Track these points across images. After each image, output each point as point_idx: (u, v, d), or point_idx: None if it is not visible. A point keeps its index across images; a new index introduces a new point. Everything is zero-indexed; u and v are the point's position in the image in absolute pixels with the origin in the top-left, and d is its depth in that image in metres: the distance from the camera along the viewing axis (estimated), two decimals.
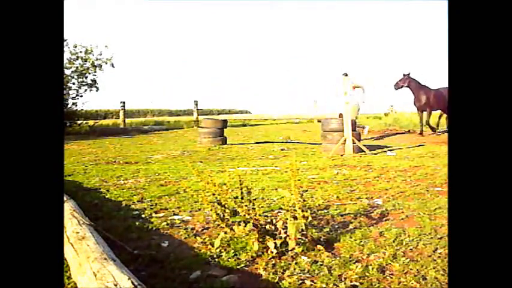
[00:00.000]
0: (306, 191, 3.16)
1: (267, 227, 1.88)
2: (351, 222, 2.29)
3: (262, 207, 2.53)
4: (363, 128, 8.80)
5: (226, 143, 7.83)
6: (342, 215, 2.45)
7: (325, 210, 2.58)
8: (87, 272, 1.33)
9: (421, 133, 9.48)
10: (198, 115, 14.32)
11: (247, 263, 1.76)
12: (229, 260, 1.79)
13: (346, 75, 7.43)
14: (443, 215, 2.38)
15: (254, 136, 10.50)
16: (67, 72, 12.55)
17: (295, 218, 1.89)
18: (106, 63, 13.14)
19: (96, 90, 13.24)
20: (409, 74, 9.46)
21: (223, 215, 1.99)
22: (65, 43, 12.43)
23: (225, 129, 7.99)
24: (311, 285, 1.53)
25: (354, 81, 8.08)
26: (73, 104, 12.92)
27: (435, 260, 1.72)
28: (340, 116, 5.94)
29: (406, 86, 9.49)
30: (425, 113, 9.44)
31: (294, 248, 1.83)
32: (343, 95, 5.86)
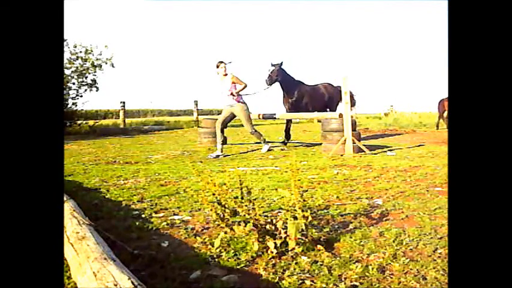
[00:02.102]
0: (306, 191, 3.16)
1: (267, 227, 1.88)
2: (351, 222, 2.29)
3: (262, 207, 2.53)
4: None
5: (226, 143, 7.82)
6: (342, 215, 2.45)
7: (325, 210, 2.58)
8: (87, 272, 1.33)
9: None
10: (198, 115, 14.32)
11: (247, 263, 1.76)
12: (229, 260, 1.79)
13: (222, 62, 6.12)
14: (443, 215, 2.38)
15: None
16: (67, 72, 12.55)
17: (295, 218, 1.89)
18: (106, 63, 13.14)
19: (96, 90, 13.24)
20: (280, 65, 7.31)
21: (223, 215, 1.99)
22: (65, 43, 12.42)
23: (225, 129, 7.99)
24: (311, 285, 1.53)
25: (230, 72, 6.17)
26: (73, 104, 12.92)
27: (435, 260, 1.72)
28: (340, 116, 5.94)
29: (279, 80, 7.42)
30: (294, 114, 7.50)
31: (294, 248, 1.83)
32: (343, 94, 5.86)
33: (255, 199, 2.06)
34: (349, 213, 2.48)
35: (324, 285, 1.52)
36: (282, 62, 7.35)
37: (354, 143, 5.76)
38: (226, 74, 6.16)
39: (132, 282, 1.18)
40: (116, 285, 1.17)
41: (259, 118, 7.87)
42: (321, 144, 6.50)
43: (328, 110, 7.84)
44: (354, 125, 5.97)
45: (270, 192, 3.15)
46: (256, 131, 6.35)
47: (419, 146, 6.89)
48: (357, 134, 5.98)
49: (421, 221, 2.28)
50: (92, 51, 12.97)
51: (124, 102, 14.20)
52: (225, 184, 2.06)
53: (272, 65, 7.37)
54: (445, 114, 11.31)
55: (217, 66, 6.21)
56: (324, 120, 6.37)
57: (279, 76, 7.32)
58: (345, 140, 5.76)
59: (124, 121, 14.03)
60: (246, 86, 6.18)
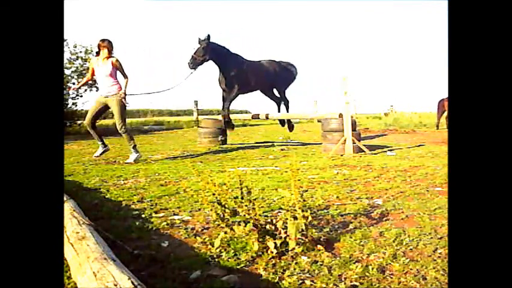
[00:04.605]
0: (306, 191, 3.16)
1: (267, 227, 1.88)
2: (351, 222, 2.29)
3: (262, 207, 2.53)
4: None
5: (226, 143, 7.83)
6: (342, 215, 2.45)
7: (325, 210, 2.58)
8: (87, 272, 1.33)
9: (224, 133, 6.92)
10: (198, 115, 14.32)
11: (247, 263, 1.76)
12: (229, 260, 1.79)
13: (105, 41, 5.06)
14: (443, 215, 2.38)
15: (254, 136, 10.50)
16: (67, 72, 12.53)
17: (295, 218, 1.89)
18: None
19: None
20: (208, 39, 6.07)
21: (223, 215, 1.99)
22: (65, 43, 12.42)
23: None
24: (311, 285, 1.53)
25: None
26: (73, 104, 12.91)
27: (435, 260, 1.72)
28: (340, 116, 5.94)
29: (208, 59, 6.11)
30: (229, 97, 6.32)
31: (294, 248, 1.83)
32: (343, 94, 5.86)
33: (255, 199, 2.06)
34: (349, 213, 2.48)
35: (324, 285, 1.52)
36: (209, 36, 6.06)
37: (354, 143, 5.76)
38: (109, 57, 5.14)
39: (132, 282, 1.18)
40: (115, 285, 1.17)
41: (253, 118, 7.83)
42: (321, 144, 6.51)
43: (275, 89, 7.13)
44: (354, 125, 5.97)
45: (270, 192, 3.14)
46: (127, 131, 5.30)
47: (419, 146, 6.89)
48: (357, 134, 5.98)
49: (421, 221, 2.28)
50: (92, 51, 12.92)
51: None
52: (225, 184, 2.06)
53: (199, 41, 6.08)
54: (445, 114, 11.30)
55: (99, 46, 5.14)
56: (324, 120, 6.37)
57: (207, 54, 6.04)
58: (345, 140, 5.76)
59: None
60: (128, 80, 5.25)
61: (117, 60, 5.15)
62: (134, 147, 5.37)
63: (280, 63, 7.18)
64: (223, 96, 6.57)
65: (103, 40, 5.12)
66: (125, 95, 5.22)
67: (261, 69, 6.81)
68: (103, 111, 5.42)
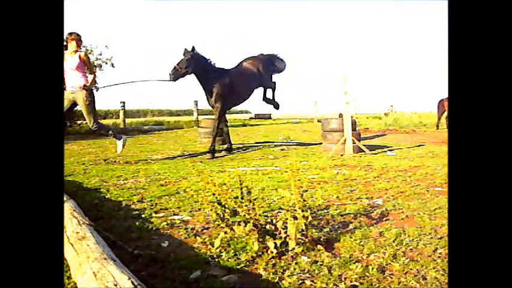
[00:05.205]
0: (306, 191, 3.16)
1: (267, 227, 1.88)
2: (351, 222, 2.29)
3: (262, 207, 2.53)
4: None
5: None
6: (342, 215, 2.45)
7: (325, 210, 2.58)
8: (87, 272, 1.33)
9: (212, 152, 5.98)
10: (198, 115, 14.31)
11: (247, 263, 1.76)
12: (229, 260, 1.79)
13: (73, 34, 4.93)
14: (443, 215, 2.38)
15: (254, 136, 10.50)
16: None
17: (295, 218, 1.89)
18: (106, 63, 13.10)
19: (96, 90, 13.17)
20: (192, 51, 5.83)
21: (223, 215, 1.99)
22: (65, 43, 12.41)
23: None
24: (311, 285, 1.53)
25: None
26: None
27: (435, 260, 1.72)
28: (340, 116, 5.94)
29: (191, 72, 5.83)
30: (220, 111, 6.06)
31: (294, 248, 1.83)
32: (343, 94, 5.86)
33: (255, 199, 2.06)
34: (349, 213, 2.48)
35: (324, 285, 1.52)
36: (193, 47, 5.82)
37: (354, 143, 5.76)
38: (76, 51, 4.95)
39: (132, 282, 1.18)
40: (116, 285, 1.17)
41: (253, 118, 7.78)
42: (321, 144, 6.51)
43: (262, 86, 6.83)
44: (354, 125, 5.97)
45: (270, 192, 3.15)
46: (99, 126, 5.17)
47: (419, 146, 6.89)
48: (357, 134, 5.98)
49: (421, 221, 2.28)
50: (92, 51, 12.92)
51: (124, 102, 14.17)
52: (225, 184, 2.06)
53: (185, 52, 5.84)
54: (445, 114, 11.30)
55: (67, 40, 4.94)
56: (324, 120, 6.37)
57: (190, 67, 5.74)
58: (345, 140, 5.76)
59: (124, 121, 13.99)
60: (95, 76, 5.06)
61: (85, 55, 4.99)
62: (114, 135, 5.19)
63: (262, 60, 6.82)
64: (215, 112, 6.34)
65: (71, 33, 4.93)
66: (89, 89, 4.96)
67: (244, 77, 6.43)
68: (72, 108, 5.17)
